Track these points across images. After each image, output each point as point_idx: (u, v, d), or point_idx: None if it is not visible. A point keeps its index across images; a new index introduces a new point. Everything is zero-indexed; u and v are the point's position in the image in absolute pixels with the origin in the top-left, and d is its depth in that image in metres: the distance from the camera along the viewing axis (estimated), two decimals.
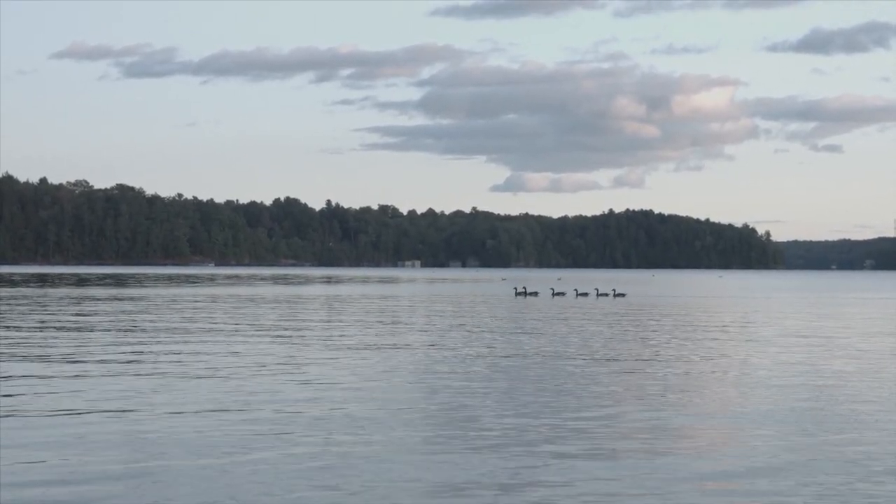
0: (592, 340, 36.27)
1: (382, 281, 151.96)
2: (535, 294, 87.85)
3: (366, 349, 32.05)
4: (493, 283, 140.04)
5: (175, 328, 40.99)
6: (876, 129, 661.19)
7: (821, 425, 17.98)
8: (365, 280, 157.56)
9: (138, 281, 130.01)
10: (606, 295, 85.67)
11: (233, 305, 62.73)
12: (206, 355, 29.45)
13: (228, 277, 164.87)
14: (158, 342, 34.05)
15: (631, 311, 59.57)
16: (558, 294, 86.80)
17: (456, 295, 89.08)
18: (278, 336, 37.40)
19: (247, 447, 15.46)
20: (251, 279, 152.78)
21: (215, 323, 44.78)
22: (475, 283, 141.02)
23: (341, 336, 37.77)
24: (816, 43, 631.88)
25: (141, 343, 33.65)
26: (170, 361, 27.76)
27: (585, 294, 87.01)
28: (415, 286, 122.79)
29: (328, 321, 47.29)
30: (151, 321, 45.53)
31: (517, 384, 23.29)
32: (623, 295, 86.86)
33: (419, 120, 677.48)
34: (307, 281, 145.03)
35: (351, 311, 56.68)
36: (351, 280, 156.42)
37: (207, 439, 16.06)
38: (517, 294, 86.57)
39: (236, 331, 39.89)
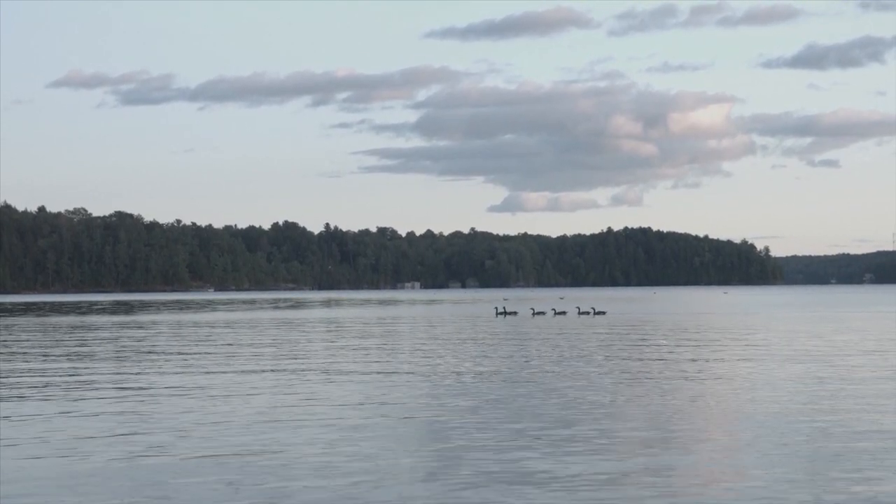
0: (558, 358, 36.33)
1: (382, 303, 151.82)
2: (515, 314, 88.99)
3: (358, 374, 32.16)
4: (491, 304, 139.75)
5: (190, 353, 41.11)
6: (873, 143, 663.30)
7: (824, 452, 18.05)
8: (364, 302, 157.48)
9: (148, 308, 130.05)
10: (587, 313, 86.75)
11: (246, 329, 62.86)
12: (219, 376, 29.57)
13: (232, 302, 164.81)
14: (159, 367, 34.14)
15: (609, 329, 59.64)
16: (538, 314, 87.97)
17: (440, 316, 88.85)
18: (276, 359, 37.48)
19: (247, 462, 15.57)
20: (254, 304, 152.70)
21: (240, 347, 44.88)
22: (470, 305, 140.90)
23: (334, 361, 37.83)
24: (811, 58, 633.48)
25: (141, 367, 33.74)
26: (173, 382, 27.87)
27: (564, 313, 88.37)
28: (404, 308, 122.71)
29: (327, 345, 47.36)
30: (159, 346, 45.63)
31: (486, 404, 23.37)
32: (603, 313, 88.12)
33: (416, 142, 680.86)
34: (308, 305, 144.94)
35: (350, 335, 56.80)
36: (351, 303, 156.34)
37: (205, 449, 16.17)
38: (497, 314, 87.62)
39: (252, 355, 40.02)
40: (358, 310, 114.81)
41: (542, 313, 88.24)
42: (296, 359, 38.28)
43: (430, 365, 34.69)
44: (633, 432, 19.16)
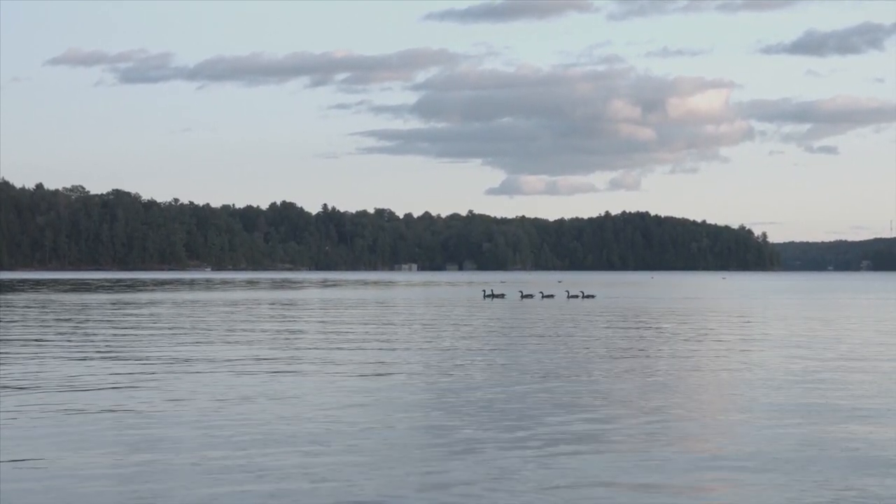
0: (542, 343, 36.28)
1: (377, 284, 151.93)
2: (503, 296, 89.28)
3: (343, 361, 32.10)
4: (486, 287, 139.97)
5: (183, 332, 41.07)
6: (871, 130, 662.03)
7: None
8: (360, 283, 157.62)
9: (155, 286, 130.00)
10: (576, 297, 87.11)
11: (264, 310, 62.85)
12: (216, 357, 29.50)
13: (229, 282, 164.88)
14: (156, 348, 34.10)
15: (596, 313, 59.62)
16: (526, 296, 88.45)
17: (427, 298, 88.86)
18: (267, 341, 37.46)
19: (240, 448, 15.45)
20: (251, 284, 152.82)
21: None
22: (464, 287, 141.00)
23: (319, 347, 37.77)
24: (810, 45, 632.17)
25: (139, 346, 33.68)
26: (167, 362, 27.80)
27: (552, 296, 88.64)
28: (398, 290, 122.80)
29: (319, 328, 47.34)
30: (152, 329, 45.58)
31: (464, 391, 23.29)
32: (592, 296, 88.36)
33: (414, 124, 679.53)
34: (304, 286, 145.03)
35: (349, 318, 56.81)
36: (347, 284, 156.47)
37: (201, 439, 16.05)
38: (485, 296, 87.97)
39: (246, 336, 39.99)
40: (352, 291, 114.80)
41: (531, 296, 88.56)
42: (286, 341, 38.22)
43: (400, 350, 34.60)
44: (624, 419, 19.05)
